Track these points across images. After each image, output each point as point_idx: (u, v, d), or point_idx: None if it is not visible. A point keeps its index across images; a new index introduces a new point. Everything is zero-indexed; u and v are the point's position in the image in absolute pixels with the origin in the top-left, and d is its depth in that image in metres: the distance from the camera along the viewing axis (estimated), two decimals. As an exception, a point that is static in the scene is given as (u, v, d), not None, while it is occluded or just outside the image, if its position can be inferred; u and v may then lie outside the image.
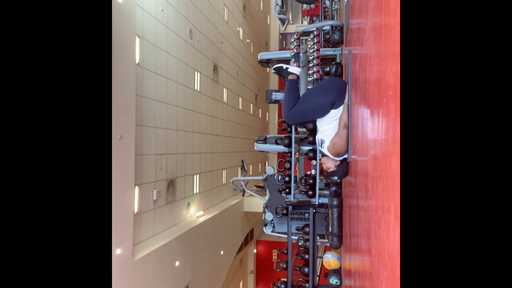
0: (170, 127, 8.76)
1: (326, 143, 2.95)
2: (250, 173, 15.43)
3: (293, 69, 3.20)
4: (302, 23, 17.02)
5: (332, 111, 2.88)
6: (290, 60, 3.55)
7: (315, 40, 4.68)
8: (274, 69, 3.42)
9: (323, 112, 2.94)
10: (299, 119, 3.18)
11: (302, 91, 3.97)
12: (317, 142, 3.15)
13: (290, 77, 3.20)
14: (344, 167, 2.95)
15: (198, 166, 10.48)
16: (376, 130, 1.23)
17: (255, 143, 5.98)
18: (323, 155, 3.25)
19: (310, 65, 4.68)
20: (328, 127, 2.94)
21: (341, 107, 2.84)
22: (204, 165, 10.94)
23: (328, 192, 4.77)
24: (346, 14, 3.17)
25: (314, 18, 7.90)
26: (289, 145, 5.30)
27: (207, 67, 11.27)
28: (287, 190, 5.45)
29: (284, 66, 3.25)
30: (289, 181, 5.40)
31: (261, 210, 5.74)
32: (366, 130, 1.58)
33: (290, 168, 5.41)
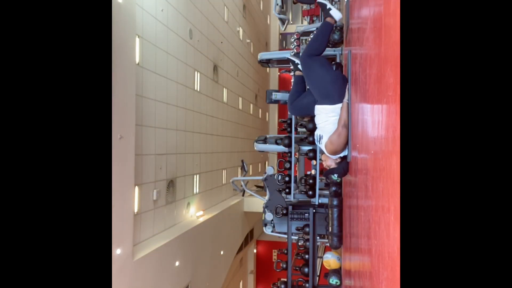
0: (170, 127, 8.76)
1: (324, 139, 2.95)
2: (250, 173, 15.43)
3: (335, 12, 3.05)
4: (302, 23, 17.01)
5: (329, 106, 2.88)
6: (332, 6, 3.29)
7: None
8: (318, 2, 3.24)
9: (318, 88, 2.96)
10: (309, 69, 3.05)
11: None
12: (315, 138, 3.15)
13: (328, 19, 3.08)
14: (344, 165, 2.95)
15: (198, 166, 10.47)
16: (376, 130, 1.23)
17: (255, 143, 5.98)
18: (323, 153, 3.25)
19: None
20: (326, 123, 2.94)
21: (340, 104, 2.84)
22: (204, 165, 10.94)
23: (328, 192, 4.77)
24: (346, 14, 3.16)
25: (314, 18, 7.90)
26: (289, 145, 5.30)
27: (207, 67, 11.27)
28: (287, 190, 5.45)
29: (328, 5, 3.11)
30: (289, 181, 5.40)
31: (261, 210, 5.74)
32: (366, 130, 1.58)
33: (290, 168, 5.41)
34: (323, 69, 2.97)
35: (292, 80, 3.31)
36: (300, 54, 3.17)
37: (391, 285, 0.91)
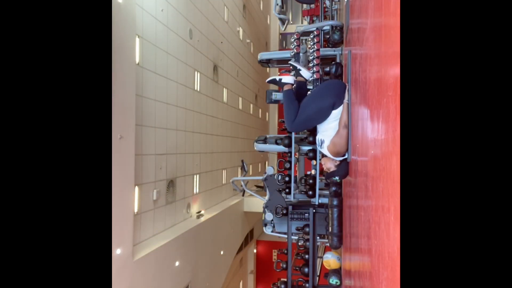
0: (170, 127, 8.76)
1: (326, 143, 2.96)
2: (250, 173, 15.43)
3: (287, 79, 3.20)
4: (302, 23, 17.01)
5: (333, 112, 2.89)
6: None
7: (315, 40, 4.68)
8: (269, 81, 3.44)
9: (326, 115, 2.95)
10: (304, 127, 3.22)
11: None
12: (317, 142, 3.16)
13: (285, 87, 3.19)
14: (345, 167, 2.96)
15: (198, 166, 10.47)
16: (376, 130, 1.23)
17: (255, 143, 5.98)
18: (323, 155, 3.25)
19: (310, 65, 4.69)
20: (328, 127, 2.94)
21: (341, 107, 2.84)
22: (204, 165, 10.94)
23: (328, 192, 4.77)
24: (346, 14, 3.17)
25: (314, 18, 7.91)
26: (289, 145, 5.30)
27: (207, 67, 11.27)
28: (287, 190, 5.45)
29: (277, 78, 3.27)
30: (289, 181, 5.40)
31: (261, 210, 5.74)
32: (366, 130, 1.58)
33: (290, 168, 5.41)
34: (309, 108, 2.99)
35: (285, 97, 3.14)
36: (288, 128, 3.19)
37: (391, 285, 0.91)
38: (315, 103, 2.98)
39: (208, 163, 11.27)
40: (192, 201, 10.08)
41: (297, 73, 3.29)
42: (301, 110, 3.02)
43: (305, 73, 3.25)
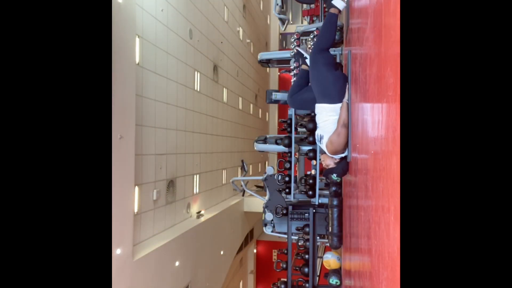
0: (170, 127, 8.76)
1: (325, 140, 2.95)
2: (250, 173, 15.42)
3: (337, 2, 3.03)
4: (302, 23, 17.01)
5: (329, 105, 2.88)
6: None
7: (315, 40, 4.68)
8: None
9: (320, 85, 2.95)
10: (318, 61, 3.00)
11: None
12: (316, 137, 3.15)
13: (331, 10, 3.06)
14: (344, 165, 2.96)
15: (198, 166, 10.47)
16: (376, 130, 1.23)
17: (255, 143, 5.99)
18: (323, 152, 3.25)
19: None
20: (326, 123, 2.93)
21: (340, 104, 2.84)
22: (204, 165, 10.94)
23: (328, 192, 4.77)
24: (346, 14, 3.16)
25: (314, 18, 7.90)
26: (289, 145, 5.31)
27: (207, 67, 11.27)
28: (287, 190, 5.46)
29: None
30: (289, 181, 5.40)
31: (261, 210, 5.74)
32: (366, 130, 1.58)
33: (290, 168, 5.41)
34: (326, 68, 2.97)
35: (298, 73, 3.26)
36: (310, 50, 3.19)
37: (391, 285, 0.91)
38: (326, 72, 2.95)
39: (208, 163, 11.27)
40: (192, 201, 10.09)
41: (329, 4, 3.12)
42: (327, 57, 3.01)
43: (338, 2, 3.04)
